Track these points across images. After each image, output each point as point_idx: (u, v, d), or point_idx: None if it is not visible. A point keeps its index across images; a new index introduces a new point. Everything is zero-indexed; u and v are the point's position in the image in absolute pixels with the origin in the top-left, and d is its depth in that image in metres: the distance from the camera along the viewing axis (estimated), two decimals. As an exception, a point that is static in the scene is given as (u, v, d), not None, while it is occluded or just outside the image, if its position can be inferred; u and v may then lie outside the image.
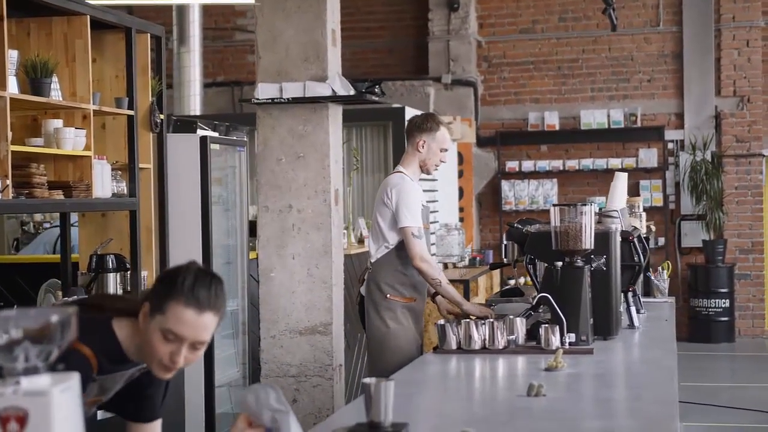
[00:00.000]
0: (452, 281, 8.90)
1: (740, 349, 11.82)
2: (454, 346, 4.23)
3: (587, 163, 12.55)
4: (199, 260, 6.14)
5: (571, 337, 4.22)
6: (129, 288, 5.52)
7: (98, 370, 2.59)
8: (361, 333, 7.56)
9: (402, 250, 5.05)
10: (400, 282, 5.07)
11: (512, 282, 11.96)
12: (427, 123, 5.18)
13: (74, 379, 1.78)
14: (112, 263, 5.37)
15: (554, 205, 4.43)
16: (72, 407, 1.77)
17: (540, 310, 4.43)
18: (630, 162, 12.42)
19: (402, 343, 5.05)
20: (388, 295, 5.07)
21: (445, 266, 10.18)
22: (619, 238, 4.66)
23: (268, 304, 5.59)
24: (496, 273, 11.09)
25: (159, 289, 2.56)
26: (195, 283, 2.52)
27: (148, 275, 5.74)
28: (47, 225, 8.98)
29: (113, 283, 5.37)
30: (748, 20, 12.33)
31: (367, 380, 2.71)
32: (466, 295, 8.89)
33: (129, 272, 5.50)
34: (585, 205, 4.38)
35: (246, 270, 6.75)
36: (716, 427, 7.88)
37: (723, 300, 12.04)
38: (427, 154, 5.15)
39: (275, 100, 5.61)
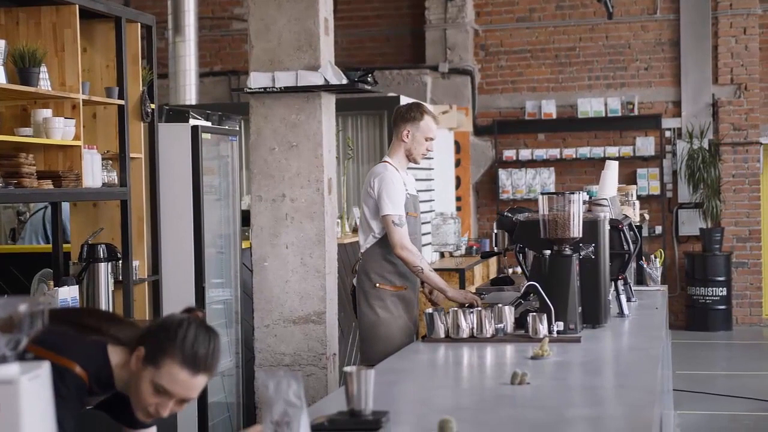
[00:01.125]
0: (448, 270, 8.96)
1: (737, 338, 11.83)
2: (442, 335, 4.24)
3: (584, 151, 12.54)
4: (191, 249, 6.15)
5: (559, 326, 4.23)
6: (121, 278, 5.52)
7: (89, 392, 2.60)
8: (356, 322, 7.57)
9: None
10: (388, 271, 5.10)
11: (509, 271, 11.98)
12: (411, 113, 5.19)
13: (44, 368, 1.79)
14: (104, 253, 5.37)
15: (542, 194, 4.43)
16: (41, 396, 1.77)
17: (529, 299, 4.43)
18: (627, 150, 12.41)
19: (392, 331, 5.07)
20: (377, 284, 5.10)
21: (442, 255, 10.20)
22: (607, 227, 4.65)
23: (262, 293, 5.59)
24: (493, 262, 11.11)
25: (157, 337, 2.56)
26: (195, 341, 2.54)
27: (139, 265, 5.74)
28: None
29: (104, 273, 5.37)
30: (745, 8, 12.30)
31: (347, 369, 2.72)
32: (462, 284, 8.89)
33: (120, 262, 5.51)
34: (573, 193, 4.38)
35: (239, 259, 6.76)
36: (712, 415, 7.89)
37: (720, 288, 12.05)
38: (411, 144, 5.16)
39: (267, 90, 5.60)
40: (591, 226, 4.49)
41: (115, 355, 2.62)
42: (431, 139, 5.21)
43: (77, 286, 5.21)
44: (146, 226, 5.84)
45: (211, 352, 2.56)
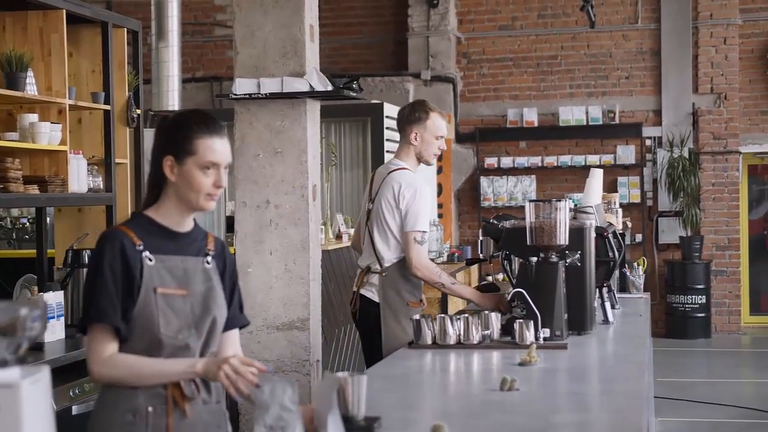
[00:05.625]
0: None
1: (716, 345, 11.90)
2: (429, 341, 4.23)
3: (566, 159, 12.60)
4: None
5: (545, 333, 4.24)
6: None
7: (143, 244, 2.76)
8: (338, 329, 7.57)
9: None
10: (417, 286, 4.93)
11: (490, 278, 12.01)
12: (415, 113, 4.97)
13: (44, 372, 1.79)
14: (88, 258, 5.35)
15: (530, 201, 4.44)
16: (41, 400, 1.77)
17: (514, 305, 4.44)
18: (608, 159, 12.48)
19: None
20: (409, 303, 4.90)
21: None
22: (593, 234, 4.68)
23: (246, 299, 5.58)
24: (475, 269, 11.13)
25: (176, 139, 2.81)
26: (203, 119, 2.86)
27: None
28: (24, 220, 8.94)
29: (89, 278, 5.34)
30: (726, 18, 12.40)
31: (340, 375, 2.73)
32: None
33: (105, 267, 5.48)
34: (560, 200, 4.40)
35: (223, 265, 6.74)
36: (692, 422, 7.93)
37: (699, 296, 12.12)
38: (421, 146, 4.96)
39: (253, 96, 5.61)
40: (577, 234, 4.51)
41: (150, 212, 2.84)
42: (441, 137, 4.99)
43: (62, 291, 5.18)
44: (131, 231, 5.82)
45: (212, 117, 2.90)
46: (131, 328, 2.74)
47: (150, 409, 2.74)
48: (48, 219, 7.80)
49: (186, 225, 2.88)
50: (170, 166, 2.80)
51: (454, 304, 9.37)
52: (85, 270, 5.34)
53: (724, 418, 8.00)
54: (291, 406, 2.60)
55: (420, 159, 5.04)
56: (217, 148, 2.80)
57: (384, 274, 4.93)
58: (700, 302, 12.12)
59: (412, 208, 4.83)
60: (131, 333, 2.74)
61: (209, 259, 2.90)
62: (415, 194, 4.85)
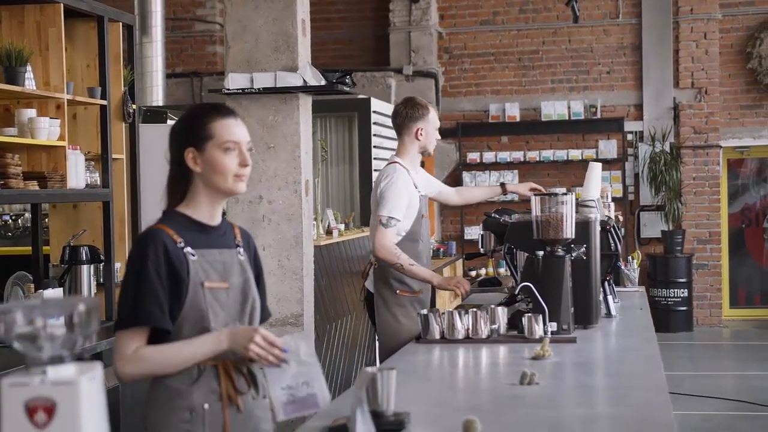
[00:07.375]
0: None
1: (698, 338, 11.97)
2: (437, 336, 4.22)
3: (548, 154, 12.62)
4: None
5: (552, 326, 4.24)
6: (103, 280, 5.46)
7: (182, 241, 2.75)
8: (330, 324, 7.54)
9: (406, 244, 4.99)
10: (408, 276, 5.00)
11: (473, 273, 12.02)
12: (418, 110, 5.13)
13: (98, 368, 1.77)
14: (86, 255, 5.31)
15: (536, 195, 4.44)
16: (97, 396, 1.75)
17: (518, 300, 4.44)
18: (590, 153, 12.51)
19: (413, 337, 4.98)
20: (397, 291, 5.01)
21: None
22: (598, 227, 4.68)
23: (243, 296, 5.55)
24: (459, 264, 11.15)
25: (192, 130, 2.81)
26: (213, 106, 2.90)
27: (121, 267, 5.67)
28: (7, 217, 8.86)
29: (87, 275, 5.30)
30: (706, 12, 12.47)
31: (369, 369, 2.71)
32: (432, 290, 8.86)
33: (102, 264, 5.44)
34: (566, 194, 4.40)
35: (217, 261, 6.70)
36: (682, 414, 7.96)
37: (681, 290, 12.18)
38: (426, 140, 5.15)
39: (245, 91, 5.58)
40: (582, 227, 4.51)
41: (182, 208, 2.83)
42: (438, 127, 5.24)
43: (60, 288, 5.13)
44: (128, 227, 5.78)
45: (221, 104, 2.96)
46: (181, 325, 2.72)
47: (206, 406, 2.73)
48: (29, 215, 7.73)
49: (216, 218, 2.87)
50: (192, 158, 2.79)
51: (442, 299, 9.37)
52: (82, 267, 5.30)
53: (712, 411, 8.05)
54: (308, 359, 2.59)
55: (423, 153, 5.20)
56: (232, 127, 2.80)
57: (375, 266, 5.05)
58: (682, 296, 12.19)
59: (385, 193, 4.95)
60: (181, 331, 2.72)
61: (241, 250, 2.89)
62: (390, 181, 4.97)
